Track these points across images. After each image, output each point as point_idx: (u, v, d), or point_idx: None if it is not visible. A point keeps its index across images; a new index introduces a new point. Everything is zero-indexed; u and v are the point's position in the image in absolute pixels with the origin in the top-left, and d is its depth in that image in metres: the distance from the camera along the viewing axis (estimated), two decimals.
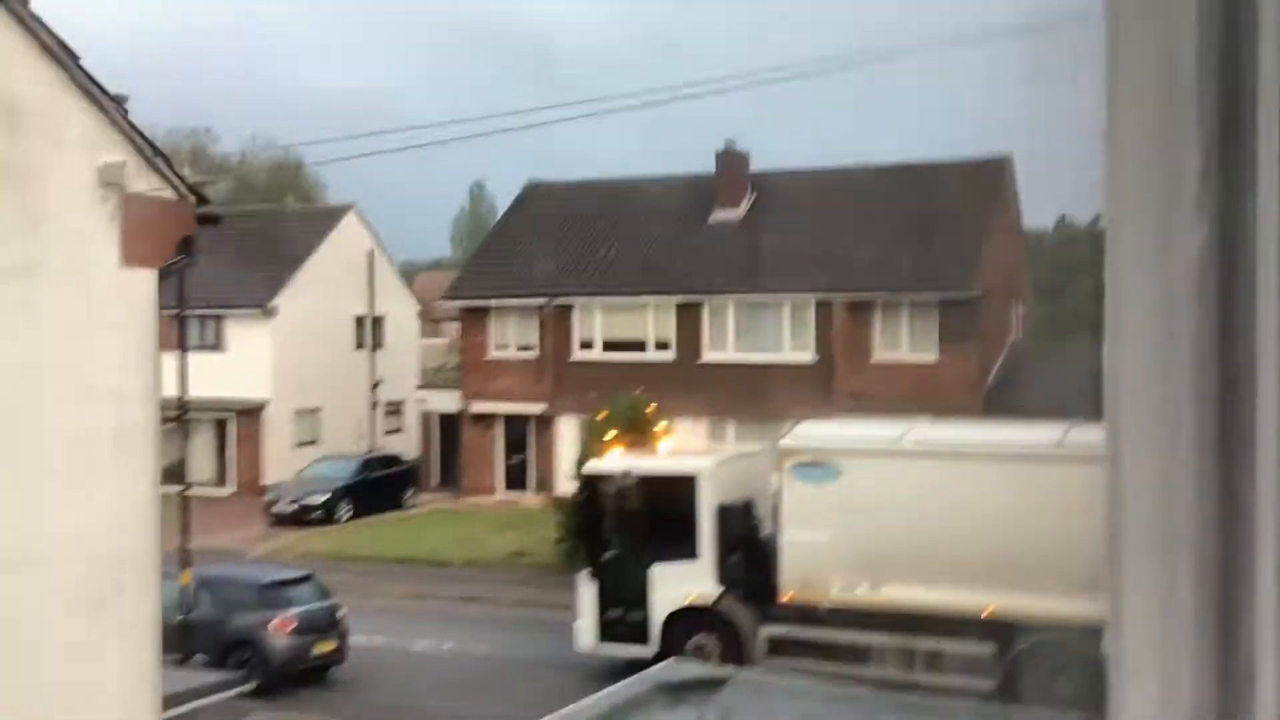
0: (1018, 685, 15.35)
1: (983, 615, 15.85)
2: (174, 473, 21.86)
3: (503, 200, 48.37)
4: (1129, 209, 0.91)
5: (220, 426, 36.61)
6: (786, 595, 17.14)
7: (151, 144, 8.98)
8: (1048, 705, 14.88)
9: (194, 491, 20.70)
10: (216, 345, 36.43)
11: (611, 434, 21.93)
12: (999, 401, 27.30)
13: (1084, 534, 13.14)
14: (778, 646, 17.20)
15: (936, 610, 16.00)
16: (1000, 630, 15.84)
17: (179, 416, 18.61)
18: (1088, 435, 15.87)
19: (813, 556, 16.72)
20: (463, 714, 16.73)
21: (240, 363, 35.90)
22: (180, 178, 9.26)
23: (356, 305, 39.84)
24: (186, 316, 18.79)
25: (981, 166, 30.83)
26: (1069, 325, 32.42)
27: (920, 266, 28.56)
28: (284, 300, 37.09)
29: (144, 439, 8.69)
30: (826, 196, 31.14)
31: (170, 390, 17.05)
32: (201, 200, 9.38)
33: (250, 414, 36.59)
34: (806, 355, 29.61)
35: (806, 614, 17.10)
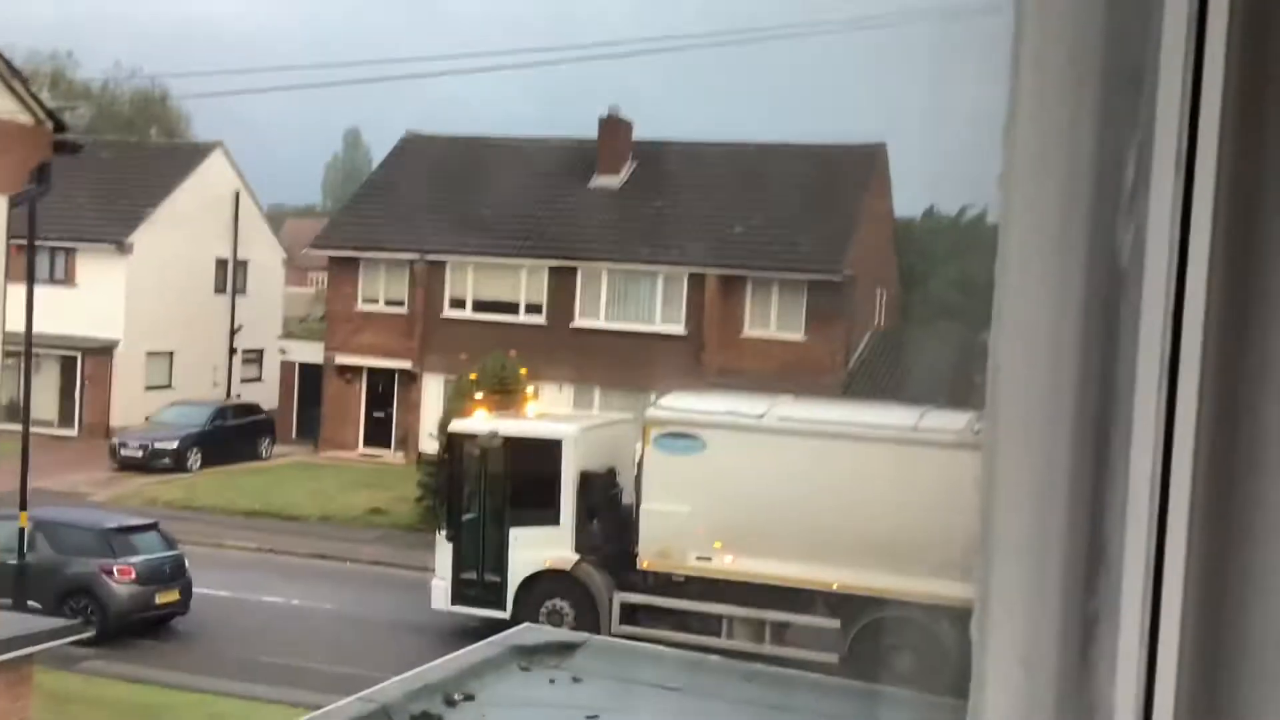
0: (861, 660, 15.81)
1: (832, 590, 16.27)
2: (15, 410, 20.94)
3: (379, 149, 47.36)
4: (1024, 204, 0.92)
5: (68, 365, 35.17)
6: (644, 563, 17.31)
7: (9, 64, 8.51)
8: (889, 680, 15.35)
9: (36, 431, 19.89)
10: (66, 280, 34.95)
11: (478, 394, 21.75)
12: (860, 383, 27.98)
13: (935, 514, 13.60)
14: (632, 614, 17.39)
15: (789, 584, 16.38)
16: (848, 606, 16.28)
17: (23, 352, 17.82)
18: (943, 420, 16.38)
19: (671, 526, 16.91)
20: (307, 670, 16.47)
21: (92, 299, 34.50)
22: (38, 101, 8.81)
23: (219, 247, 38.59)
24: (37, 247, 17.96)
25: (857, 151, 31.37)
26: (931, 314, 33.30)
27: (793, 246, 28.99)
28: (141, 237, 35.73)
29: None
30: (706, 170, 31.34)
31: (15, 324, 16.29)
32: (59, 126, 8.95)
33: (100, 353, 35.23)
34: (677, 327, 29.82)
35: (662, 583, 17.32)
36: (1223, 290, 0.87)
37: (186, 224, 36.65)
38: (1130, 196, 0.88)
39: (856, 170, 30.96)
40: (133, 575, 17.93)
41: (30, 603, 16.92)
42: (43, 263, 28.72)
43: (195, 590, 18.80)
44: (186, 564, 18.82)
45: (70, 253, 35.05)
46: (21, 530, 17.40)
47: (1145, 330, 0.87)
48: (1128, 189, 0.88)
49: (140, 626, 18.00)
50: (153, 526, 19.42)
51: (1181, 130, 0.87)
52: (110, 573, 17.84)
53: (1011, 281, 0.92)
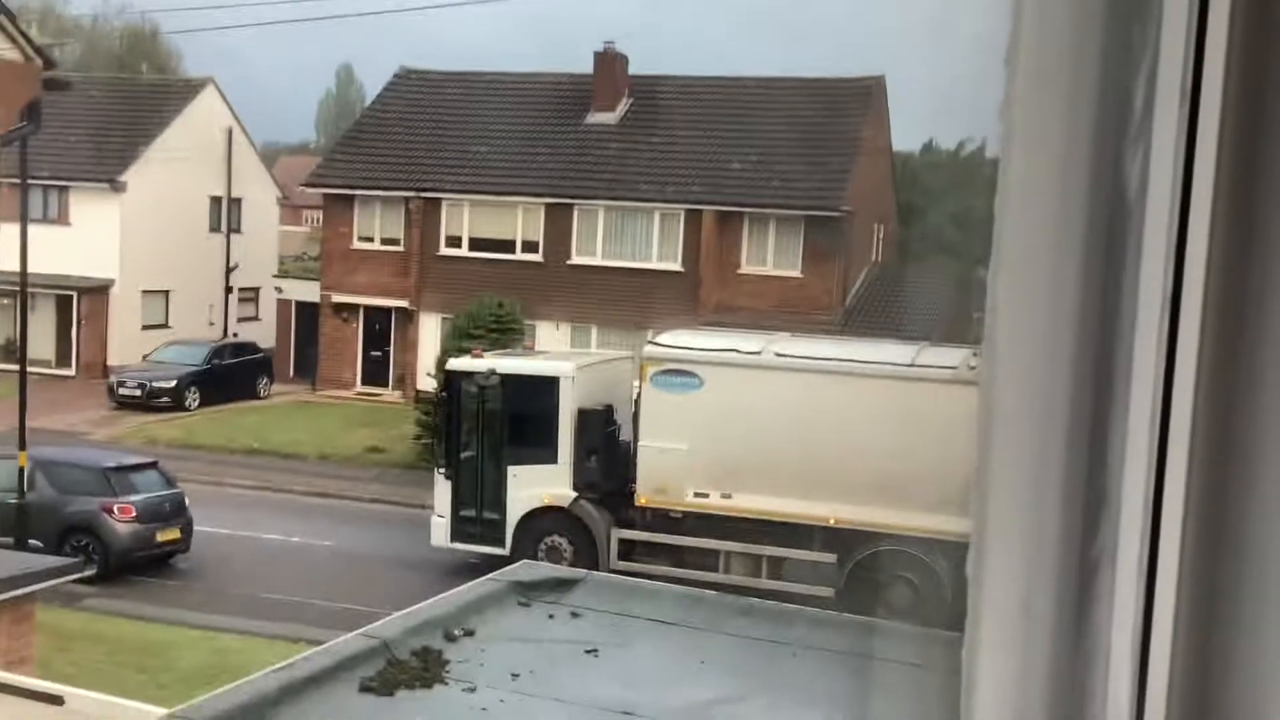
0: (857, 594, 15.96)
1: (829, 525, 16.40)
2: (12, 350, 20.90)
3: (372, 85, 46.92)
4: (1026, 134, 0.90)
5: (64, 304, 35.10)
6: (641, 500, 17.41)
7: None
8: (883, 614, 15.52)
9: (33, 370, 19.91)
10: (60, 219, 34.77)
11: (475, 332, 21.76)
12: (858, 319, 27.99)
13: (932, 450, 13.66)
14: (630, 550, 17.52)
15: (786, 519, 16.50)
16: (844, 540, 16.41)
17: (19, 291, 17.79)
18: (940, 356, 16.41)
19: (669, 463, 16.99)
20: (308, 606, 16.63)
21: (86, 238, 34.36)
22: (26, 37, 8.68)
23: (213, 186, 38.36)
24: (29, 186, 17.84)
25: (855, 84, 31.08)
26: (929, 249, 33.23)
27: (790, 181, 28.82)
28: (135, 176, 35.48)
29: None
30: (702, 106, 31.07)
31: (9, 263, 16.24)
32: (49, 64, 8.82)
33: (96, 292, 35.15)
34: (674, 264, 29.74)
35: (660, 519, 17.43)
36: (1227, 224, 0.85)
37: (180, 161, 36.39)
38: (1138, 126, 0.86)
39: (854, 104, 30.69)
40: (133, 514, 18.03)
41: (31, 541, 17.04)
42: (36, 202, 28.55)
43: (196, 528, 18.92)
44: (186, 502, 18.92)
45: (63, 191, 34.84)
46: (21, 469, 17.47)
47: (1147, 265, 0.86)
48: (1136, 119, 0.86)
49: (141, 564, 18.13)
50: (152, 465, 19.51)
51: (1187, 58, 0.85)
52: (111, 511, 17.94)
53: (1011, 215, 0.90)
